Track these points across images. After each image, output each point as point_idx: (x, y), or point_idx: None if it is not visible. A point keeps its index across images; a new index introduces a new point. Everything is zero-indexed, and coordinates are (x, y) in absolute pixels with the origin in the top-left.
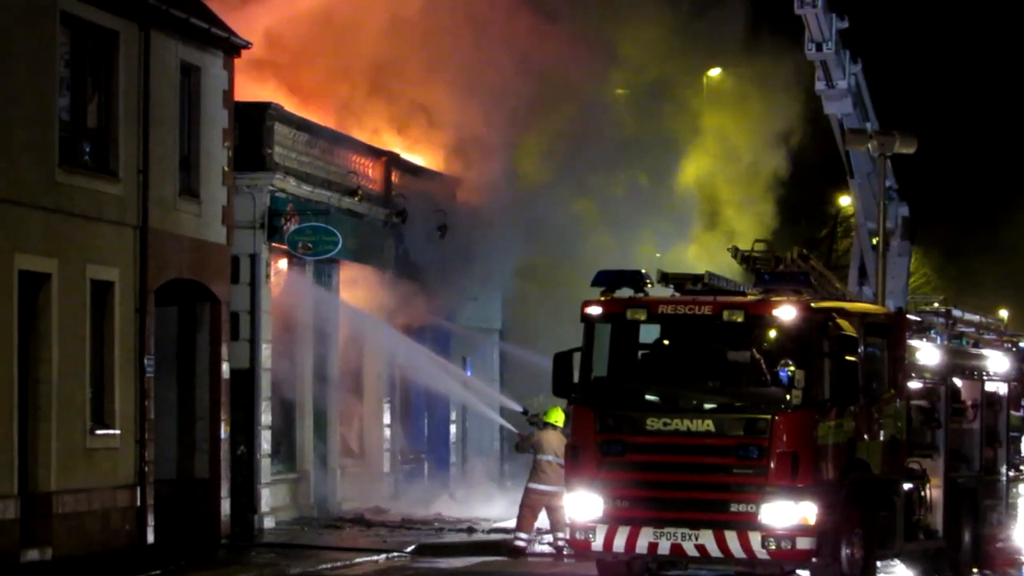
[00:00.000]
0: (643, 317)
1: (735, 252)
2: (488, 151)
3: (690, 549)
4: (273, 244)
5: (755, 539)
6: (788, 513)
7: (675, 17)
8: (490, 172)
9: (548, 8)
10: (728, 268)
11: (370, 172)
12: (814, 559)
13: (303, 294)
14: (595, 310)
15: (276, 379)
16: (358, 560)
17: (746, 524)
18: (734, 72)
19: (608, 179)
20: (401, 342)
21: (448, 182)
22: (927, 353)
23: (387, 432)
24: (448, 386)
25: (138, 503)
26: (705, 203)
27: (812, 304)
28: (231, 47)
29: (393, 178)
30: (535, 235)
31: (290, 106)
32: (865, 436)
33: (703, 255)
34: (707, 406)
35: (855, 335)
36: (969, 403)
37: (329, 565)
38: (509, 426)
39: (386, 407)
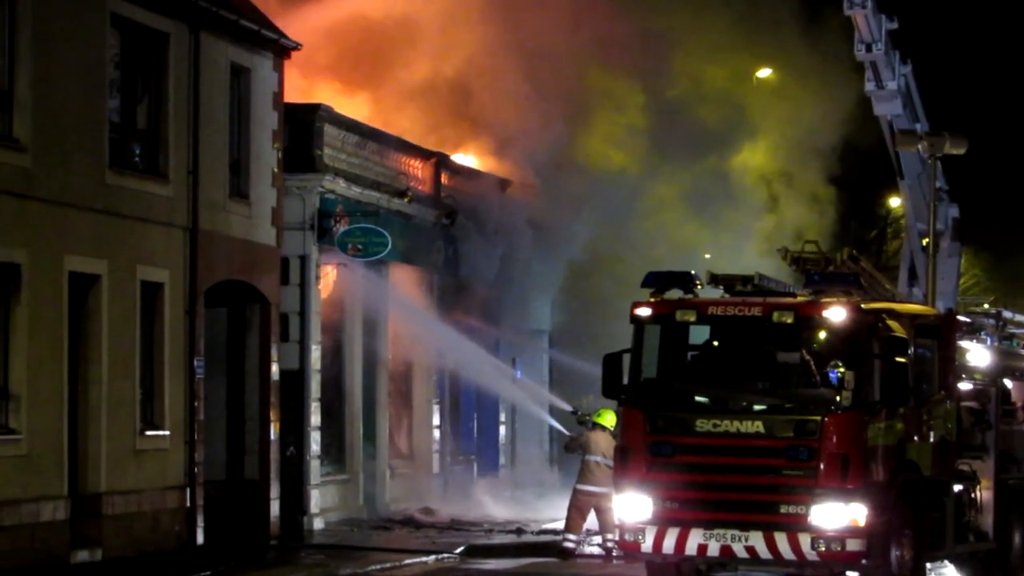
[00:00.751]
0: (693, 318)
1: (785, 253)
2: (539, 151)
3: (740, 551)
4: (323, 245)
5: (805, 540)
6: (838, 514)
7: (727, 15)
8: (541, 173)
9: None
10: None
11: (419, 173)
12: (864, 561)
13: (353, 295)
14: (645, 311)
15: (325, 380)
16: (408, 561)
17: (796, 525)
18: (784, 72)
19: (659, 180)
20: (451, 342)
21: (498, 183)
22: (977, 354)
23: (436, 433)
24: (498, 386)
25: (188, 504)
26: (758, 201)
27: (862, 305)
28: (281, 48)
29: (443, 179)
30: (586, 235)
31: (339, 107)
32: (915, 437)
33: (759, 254)
34: (757, 408)
35: (905, 336)
36: (1020, 404)
37: (379, 566)
38: (559, 426)
39: (435, 408)
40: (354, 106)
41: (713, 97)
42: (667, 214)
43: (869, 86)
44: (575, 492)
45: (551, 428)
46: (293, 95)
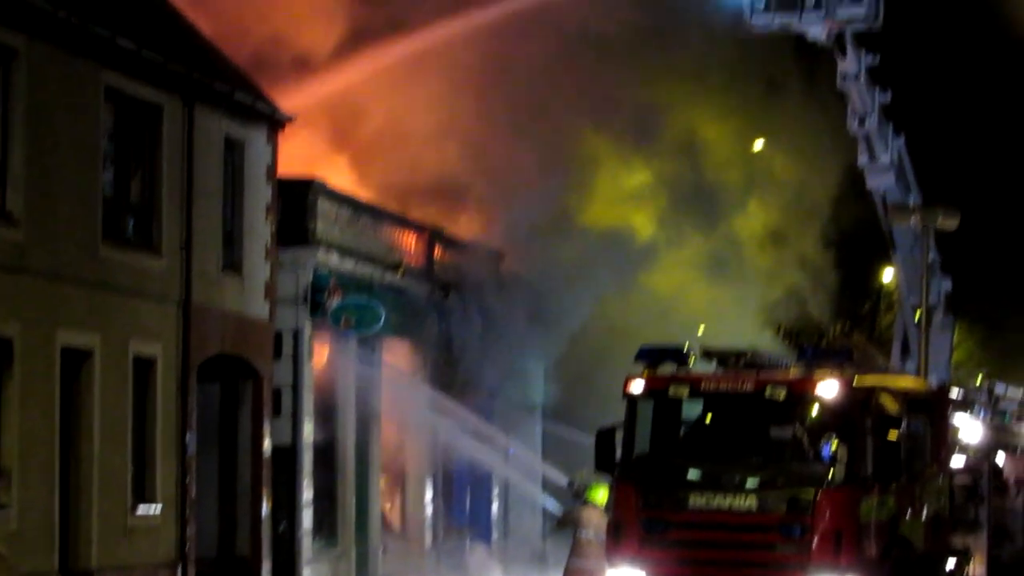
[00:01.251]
0: (686, 393)
1: (778, 328)
2: (533, 227)
3: None
4: (316, 319)
5: None
6: None
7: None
8: (535, 248)
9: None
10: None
11: (413, 247)
12: None
13: (346, 369)
14: (638, 386)
15: (318, 455)
16: None
17: None
18: (777, 145)
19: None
20: (444, 417)
21: (492, 257)
22: (970, 429)
23: (429, 508)
24: (491, 462)
25: None
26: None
27: (855, 380)
28: (275, 122)
29: (436, 253)
30: (579, 311)
31: (333, 180)
32: (908, 513)
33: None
34: (750, 484)
35: (898, 411)
36: (1012, 479)
37: None
38: (551, 507)
39: (428, 483)
40: (347, 179)
41: (710, 168)
42: (661, 286)
43: (862, 159)
44: (568, 568)
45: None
46: (287, 167)
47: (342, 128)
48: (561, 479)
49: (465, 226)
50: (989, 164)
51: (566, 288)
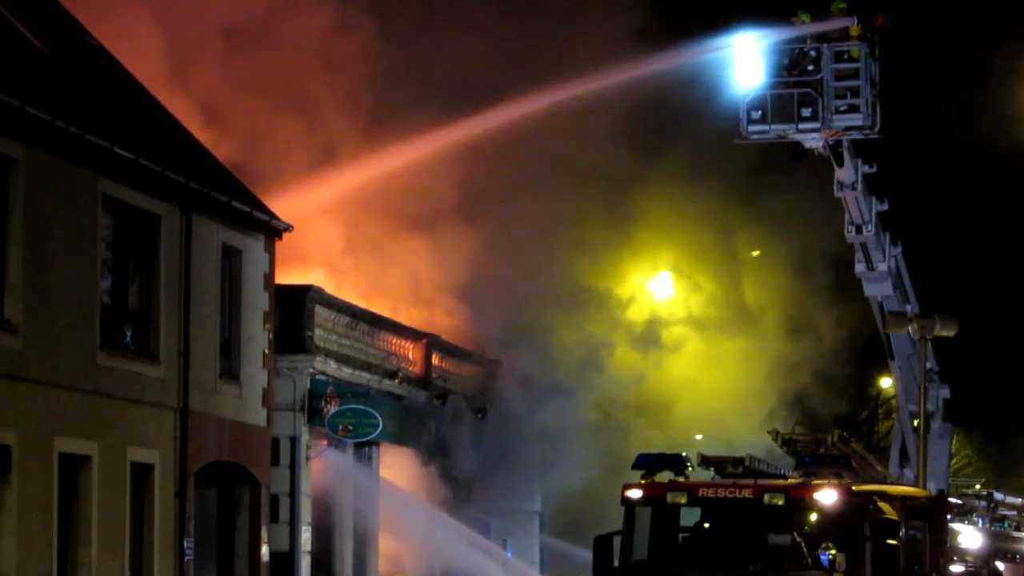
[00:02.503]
0: (684, 500)
1: (776, 435)
2: (528, 336)
3: None
4: (314, 427)
5: None
6: None
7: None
8: (531, 357)
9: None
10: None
11: (410, 354)
12: None
13: (343, 477)
14: (636, 493)
15: (316, 562)
16: None
17: None
18: (773, 255)
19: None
20: (441, 524)
21: (489, 365)
22: (969, 536)
23: None
24: (488, 570)
25: None
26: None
27: (853, 487)
28: (272, 230)
29: (434, 360)
30: (573, 419)
31: (330, 288)
32: None
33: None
34: None
35: (896, 518)
36: None
37: None
38: None
39: None
40: (345, 287)
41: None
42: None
43: (859, 267)
44: None
45: None
46: (284, 275)
47: (341, 238)
48: None
49: (462, 335)
50: (987, 273)
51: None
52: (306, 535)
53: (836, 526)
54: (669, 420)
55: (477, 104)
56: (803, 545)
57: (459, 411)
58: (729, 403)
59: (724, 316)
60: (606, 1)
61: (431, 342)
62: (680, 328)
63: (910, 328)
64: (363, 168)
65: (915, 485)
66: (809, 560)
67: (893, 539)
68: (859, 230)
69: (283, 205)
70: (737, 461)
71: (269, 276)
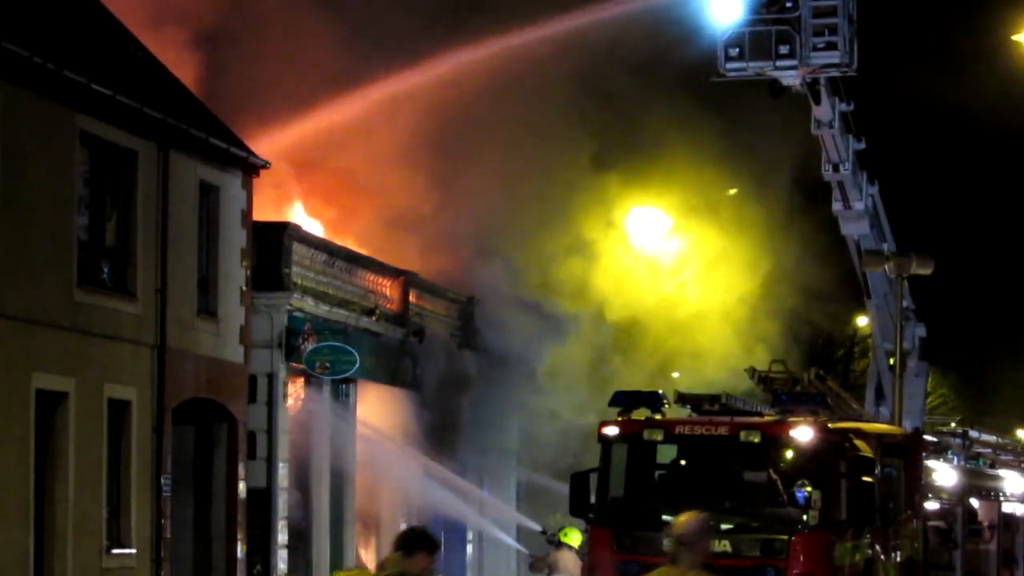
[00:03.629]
0: (660, 437)
1: (752, 372)
2: (507, 271)
3: None
4: (291, 363)
5: None
6: None
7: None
8: (507, 293)
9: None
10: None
11: (388, 291)
12: None
13: (320, 413)
14: (612, 430)
15: (292, 498)
16: None
17: None
18: (752, 194)
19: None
20: (418, 462)
21: (467, 301)
22: (944, 474)
23: None
24: (464, 509)
25: None
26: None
27: (829, 425)
28: (249, 167)
29: (411, 297)
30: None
31: (307, 225)
32: (882, 557)
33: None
34: (724, 527)
35: (872, 456)
36: (986, 524)
37: None
38: (522, 548)
39: (403, 526)
40: (322, 223)
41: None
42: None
43: (836, 206)
44: None
45: (520, 541)
46: (262, 213)
47: (318, 174)
48: (535, 524)
49: (439, 272)
50: (963, 212)
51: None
52: (283, 471)
53: (812, 463)
54: (646, 358)
55: (453, 43)
56: (779, 482)
57: (435, 348)
58: (707, 342)
59: (702, 255)
60: None
61: (408, 279)
62: (656, 266)
63: (886, 267)
64: (340, 107)
65: (891, 423)
66: (785, 497)
67: (868, 476)
68: (836, 168)
69: (260, 143)
70: (713, 399)
71: (246, 213)
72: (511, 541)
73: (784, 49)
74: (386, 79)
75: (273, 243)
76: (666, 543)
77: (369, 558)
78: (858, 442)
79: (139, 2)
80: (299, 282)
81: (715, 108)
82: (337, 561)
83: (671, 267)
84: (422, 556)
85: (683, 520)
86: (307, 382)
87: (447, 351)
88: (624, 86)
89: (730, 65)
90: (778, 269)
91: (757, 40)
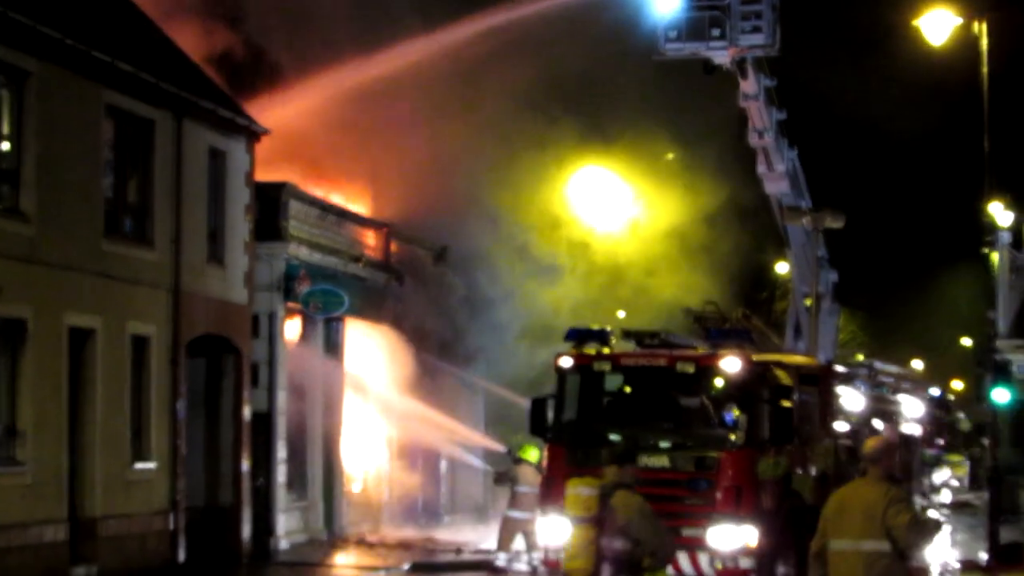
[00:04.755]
0: (608, 368)
1: (687, 312)
2: (473, 225)
3: None
4: (288, 304)
5: (703, 559)
6: (732, 537)
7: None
8: (474, 243)
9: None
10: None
11: (372, 242)
12: None
13: (313, 347)
14: (567, 362)
15: (290, 420)
16: None
17: (696, 546)
18: (687, 157)
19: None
20: (398, 388)
21: (440, 249)
22: (852, 400)
23: (386, 466)
24: (437, 430)
25: (171, 527)
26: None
27: (753, 357)
28: (252, 133)
29: (392, 247)
30: (512, 296)
31: (303, 184)
32: (799, 471)
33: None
34: (663, 445)
35: (790, 384)
36: None
37: None
38: (478, 462)
39: (385, 444)
40: (317, 182)
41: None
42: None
43: (761, 168)
44: (506, 518)
45: (485, 460)
46: (263, 174)
47: (312, 139)
48: (500, 446)
49: (416, 224)
50: (871, 174)
51: (500, 279)
52: (282, 397)
53: (738, 390)
54: (597, 297)
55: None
56: (710, 407)
57: (413, 290)
58: (649, 284)
59: (646, 210)
60: None
61: (390, 231)
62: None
63: (804, 221)
64: (334, 80)
65: (807, 356)
66: (715, 419)
67: (787, 401)
68: (760, 136)
69: (263, 111)
70: (654, 334)
71: (249, 174)
72: (478, 462)
73: (716, 32)
74: (382, 55)
75: (272, 200)
76: (861, 463)
77: (356, 469)
78: (778, 372)
79: None
80: (295, 234)
81: (659, 84)
82: (330, 474)
83: (619, 220)
84: (631, 467)
85: (871, 443)
86: (302, 319)
87: (422, 292)
88: (583, 65)
89: (669, 46)
90: (711, 223)
91: (693, 24)
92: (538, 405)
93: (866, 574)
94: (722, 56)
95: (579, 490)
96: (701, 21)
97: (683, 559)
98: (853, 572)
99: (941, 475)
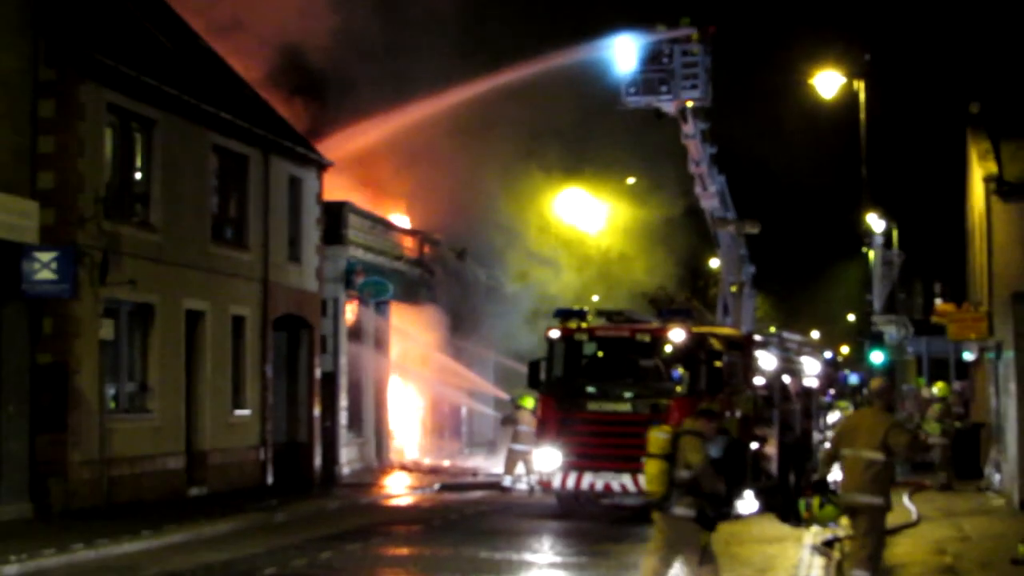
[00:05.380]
0: (585, 338)
1: (644, 296)
2: (486, 230)
3: (616, 486)
4: (348, 292)
5: None
6: None
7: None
8: (487, 249)
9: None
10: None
11: (410, 245)
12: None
13: (367, 323)
14: (555, 333)
15: (350, 378)
16: (403, 493)
17: None
18: (644, 180)
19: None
20: (431, 354)
21: (461, 251)
22: (766, 360)
23: (421, 412)
24: (459, 386)
25: (261, 458)
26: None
27: (693, 329)
28: (321, 165)
29: (425, 249)
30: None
31: (359, 202)
32: (727, 414)
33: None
34: (626, 395)
35: (721, 349)
36: (794, 392)
37: (384, 497)
38: (490, 411)
39: (420, 396)
40: (371, 201)
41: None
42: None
43: (698, 189)
44: (510, 451)
45: (495, 407)
46: (329, 195)
47: (367, 167)
48: (505, 395)
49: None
50: (780, 193)
51: (506, 272)
52: (344, 361)
53: (683, 354)
54: (576, 285)
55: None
56: (661, 366)
57: (441, 281)
58: (616, 274)
59: (613, 224)
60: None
61: (423, 236)
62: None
63: (730, 228)
64: (380, 124)
65: (733, 328)
66: (665, 375)
67: (719, 362)
68: (697, 165)
69: (329, 146)
70: (619, 313)
71: (319, 195)
72: (489, 409)
73: (664, 88)
74: (415, 107)
75: (336, 214)
76: (867, 396)
77: (399, 415)
78: (712, 340)
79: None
80: (353, 239)
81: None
82: (380, 418)
83: (593, 227)
84: (707, 421)
85: (876, 383)
86: (358, 303)
87: (448, 283)
88: (568, 115)
89: (629, 99)
90: (662, 228)
91: (646, 82)
92: (534, 366)
93: (863, 474)
94: (668, 106)
95: (658, 434)
96: (653, 80)
97: (643, 480)
98: (855, 470)
99: (832, 416)
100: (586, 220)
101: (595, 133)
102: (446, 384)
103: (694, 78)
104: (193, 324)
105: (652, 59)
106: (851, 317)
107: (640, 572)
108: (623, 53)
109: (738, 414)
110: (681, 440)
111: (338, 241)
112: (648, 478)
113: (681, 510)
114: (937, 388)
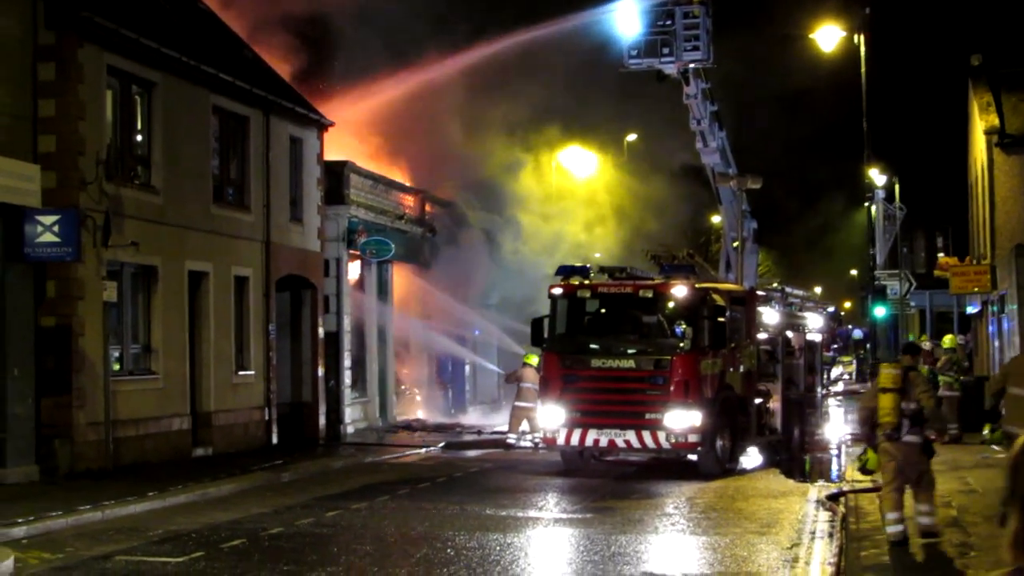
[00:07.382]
0: (588, 295)
1: (647, 252)
2: (488, 193)
3: (620, 443)
4: (350, 251)
5: (662, 436)
6: (683, 419)
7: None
8: (490, 207)
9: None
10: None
11: (411, 204)
12: (699, 448)
13: (369, 283)
14: (557, 291)
15: (353, 337)
16: (407, 452)
17: (655, 426)
18: (644, 138)
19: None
20: (433, 312)
21: (463, 210)
22: (769, 315)
23: (425, 370)
24: (463, 343)
25: (266, 418)
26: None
27: (696, 285)
28: (321, 125)
29: (426, 208)
30: (519, 239)
31: (360, 161)
32: (731, 369)
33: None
34: (629, 351)
35: (724, 304)
36: (797, 347)
37: (389, 456)
38: (494, 367)
39: (424, 353)
40: (371, 159)
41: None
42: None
43: (699, 145)
44: (514, 408)
45: (498, 364)
46: (330, 154)
47: (367, 126)
48: (519, 349)
49: (444, 190)
50: (782, 147)
51: (504, 232)
52: (347, 321)
53: (685, 310)
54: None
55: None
56: (664, 322)
57: (442, 240)
58: (619, 231)
59: (617, 178)
60: None
61: (424, 196)
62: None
63: (731, 183)
64: (382, 84)
65: (735, 284)
66: (668, 331)
67: (721, 317)
68: (698, 123)
69: (329, 107)
70: (622, 269)
71: (320, 155)
72: (492, 366)
73: (666, 51)
74: (417, 67)
75: (337, 174)
76: (901, 356)
77: (402, 373)
78: (715, 296)
79: (244, 19)
80: (354, 199)
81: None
82: (383, 377)
83: (596, 186)
84: (911, 356)
85: (911, 340)
86: (361, 263)
87: (450, 242)
88: (568, 74)
89: (631, 61)
90: (665, 185)
91: (649, 45)
92: (537, 323)
93: None
94: (670, 68)
95: (889, 370)
96: (654, 42)
97: (647, 436)
98: (1020, 408)
99: (836, 371)
100: (587, 175)
101: (595, 92)
102: (449, 342)
103: (695, 39)
104: (196, 285)
105: (654, 22)
106: (854, 272)
107: (882, 505)
108: (626, 17)
109: (741, 369)
110: (910, 375)
111: (340, 201)
112: (883, 411)
113: (910, 438)
114: (946, 340)
